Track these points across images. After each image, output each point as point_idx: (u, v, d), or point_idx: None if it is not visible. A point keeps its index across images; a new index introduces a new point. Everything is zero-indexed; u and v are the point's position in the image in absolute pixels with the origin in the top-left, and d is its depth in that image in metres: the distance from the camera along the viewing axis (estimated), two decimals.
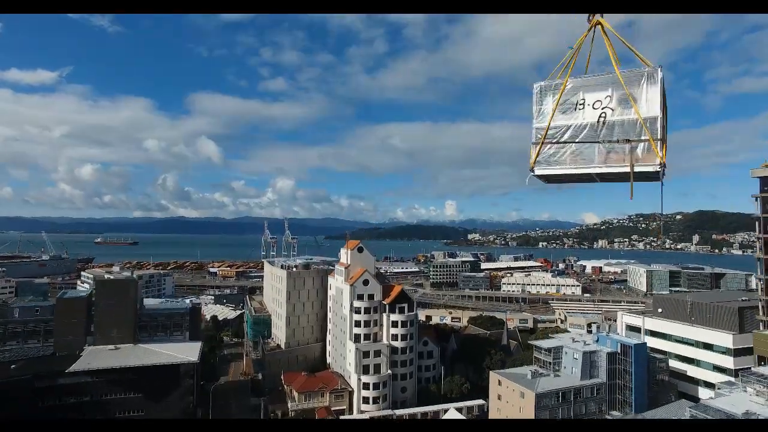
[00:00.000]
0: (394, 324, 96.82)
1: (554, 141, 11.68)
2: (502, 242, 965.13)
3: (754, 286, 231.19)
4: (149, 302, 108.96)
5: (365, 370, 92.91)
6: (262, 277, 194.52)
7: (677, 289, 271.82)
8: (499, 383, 77.94)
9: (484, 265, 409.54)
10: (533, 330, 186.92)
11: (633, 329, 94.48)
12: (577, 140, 11.52)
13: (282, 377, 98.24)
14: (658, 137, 11.04)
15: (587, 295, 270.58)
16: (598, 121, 11.61)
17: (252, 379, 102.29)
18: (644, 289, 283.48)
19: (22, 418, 65.84)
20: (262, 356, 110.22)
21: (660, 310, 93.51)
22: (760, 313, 75.64)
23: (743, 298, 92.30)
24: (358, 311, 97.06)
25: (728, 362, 78.46)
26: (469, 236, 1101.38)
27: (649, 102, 11.28)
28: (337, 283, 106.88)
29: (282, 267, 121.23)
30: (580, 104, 11.79)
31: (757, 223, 78.46)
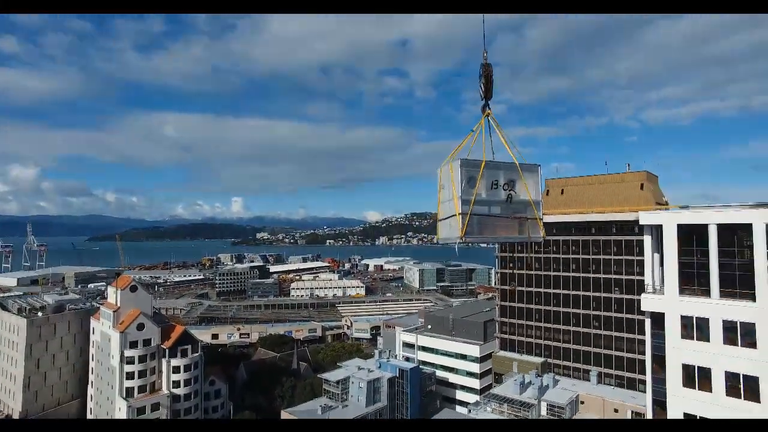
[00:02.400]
0: (176, 369, 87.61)
1: (479, 213, 14.27)
2: (291, 241, 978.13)
3: (494, 279, 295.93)
4: None
5: None
6: None
7: (443, 283, 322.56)
8: None
9: (273, 268, 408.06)
10: (322, 338, 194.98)
11: (408, 345, 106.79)
12: (496, 214, 14.73)
13: None
14: (541, 217, 15.18)
15: (371, 296, 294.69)
16: (507, 200, 14.82)
17: None
18: (417, 285, 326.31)
19: None
20: None
21: (429, 326, 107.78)
22: (497, 330, 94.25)
23: (487, 309, 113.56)
24: (131, 361, 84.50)
25: (476, 368, 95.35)
26: (258, 235, 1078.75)
27: (535, 190, 15.11)
28: (103, 328, 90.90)
29: (20, 312, 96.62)
30: (495, 184, 14.71)
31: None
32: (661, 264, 36.19)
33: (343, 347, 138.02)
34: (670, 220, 33.73)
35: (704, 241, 32.90)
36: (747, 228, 31.19)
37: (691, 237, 33.48)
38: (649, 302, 34.84)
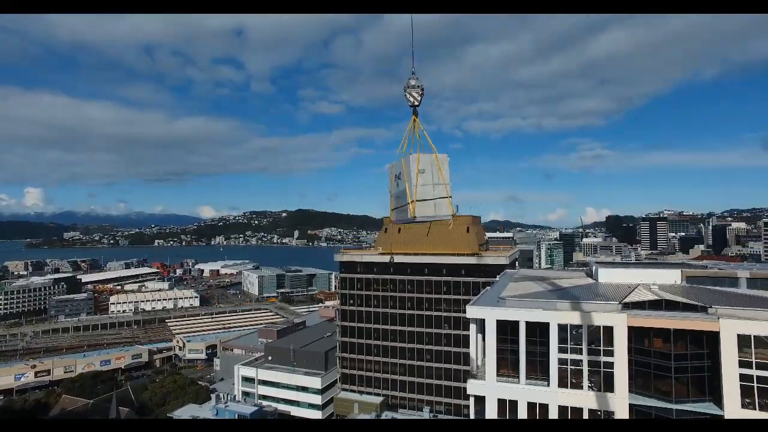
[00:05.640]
0: None
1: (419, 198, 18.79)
2: (111, 241, 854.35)
3: (334, 284, 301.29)
4: None
5: None
6: None
7: (283, 290, 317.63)
8: None
9: (87, 278, 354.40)
10: (149, 364, 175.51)
11: (248, 380, 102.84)
12: (427, 197, 18.87)
13: None
14: (450, 195, 20.34)
15: (206, 307, 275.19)
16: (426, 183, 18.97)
17: None
18: (257, 292, 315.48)
19: None
20: None
21: (270, 357, 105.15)
22: (338, 365, 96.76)
23: (328, 334, 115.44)
24: None
25: (318, 400, 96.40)
26: (67, 235, 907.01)
27: (445, 172, 19.86)
28: None
29: None
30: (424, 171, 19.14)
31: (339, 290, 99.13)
32: (484, 343, 41.25)
33: (174, 382, 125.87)
34: (490, 316, 38.72)
35: (516, 332, 38.53)
36: (546, 325, 37.45)
37: (507, 329, 38.90)
38: (472, 387, 39.50)
